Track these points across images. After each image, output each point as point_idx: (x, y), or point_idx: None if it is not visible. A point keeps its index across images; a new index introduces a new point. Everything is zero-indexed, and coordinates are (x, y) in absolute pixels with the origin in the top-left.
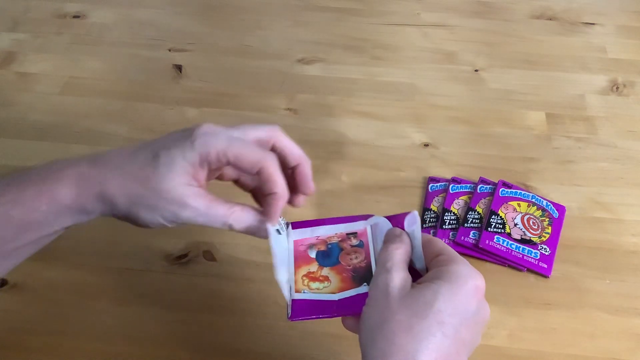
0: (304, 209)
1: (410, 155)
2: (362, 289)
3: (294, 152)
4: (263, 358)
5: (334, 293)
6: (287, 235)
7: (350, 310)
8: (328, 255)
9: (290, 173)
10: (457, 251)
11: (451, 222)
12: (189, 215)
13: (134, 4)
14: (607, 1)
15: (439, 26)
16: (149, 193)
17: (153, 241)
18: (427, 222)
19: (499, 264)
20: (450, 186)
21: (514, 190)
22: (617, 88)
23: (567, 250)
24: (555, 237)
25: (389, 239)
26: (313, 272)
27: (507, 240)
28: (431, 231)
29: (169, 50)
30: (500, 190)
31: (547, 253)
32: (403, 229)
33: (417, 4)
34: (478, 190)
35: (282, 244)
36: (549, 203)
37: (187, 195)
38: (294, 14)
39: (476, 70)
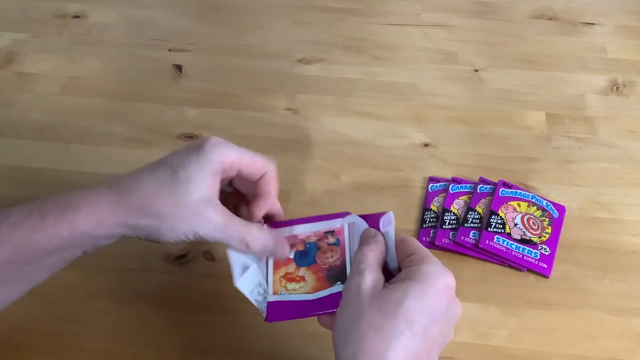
0: (305, 209)
1: (410, 155)
2: (336, 288)
3: (272, 190)
4: (263, 358)
5: (309, 293)
6: None
7: (324, 309)
8: (306, 254)
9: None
10: (457, 251)
11: (451, 222)
12: (207, 230)
13: (134, 4)
14: (607, 1)
15: (439, 26)
16: (171, 210)
17: None
18: (427, 222)
19: (499, 264)
20: (450, 186)
21: (514, 190)
22: (617, 88)
23: (567, 250)
24: (555, 237)
25: (363, 241)
26: (291, 273)
27: (507, 240)
28: (431, 231)
29: (169, 50)
30: (500, 190)
31: (547, 253)
32: (378, 229)
33: (417, 4)
34: (478, 190)
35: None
36: (549, 203)
37: (208, 210)
38: (294, 14)
39: (476, 70)
